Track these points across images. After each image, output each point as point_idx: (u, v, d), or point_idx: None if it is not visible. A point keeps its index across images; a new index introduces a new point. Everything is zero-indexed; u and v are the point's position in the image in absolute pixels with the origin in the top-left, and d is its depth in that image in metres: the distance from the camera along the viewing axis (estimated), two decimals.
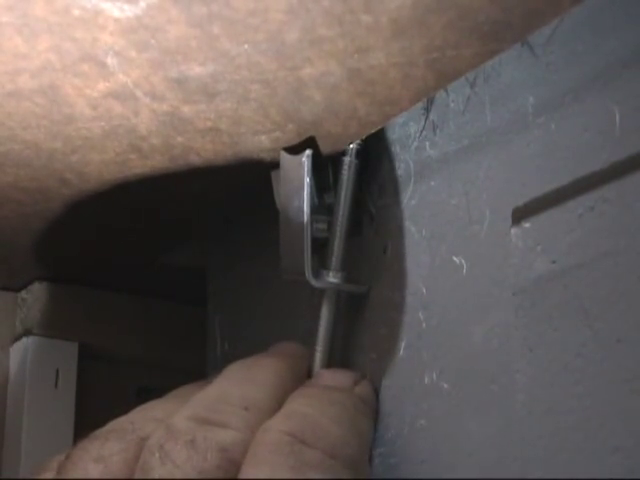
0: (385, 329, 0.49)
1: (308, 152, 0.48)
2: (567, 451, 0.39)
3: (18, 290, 0.67)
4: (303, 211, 0.48)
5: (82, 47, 0.41)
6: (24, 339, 0.65)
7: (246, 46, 0.41)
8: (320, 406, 0.46)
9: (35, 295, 0.66)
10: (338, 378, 0.48)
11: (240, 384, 0.47)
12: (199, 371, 0.61)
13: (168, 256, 0.63)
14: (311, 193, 0.48)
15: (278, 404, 0.47)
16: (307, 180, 0.48)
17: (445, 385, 0.45)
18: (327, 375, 0.49)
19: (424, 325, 0.47)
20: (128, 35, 0.40)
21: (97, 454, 0.46)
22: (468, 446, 0.43)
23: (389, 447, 0.47)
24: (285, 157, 0.49)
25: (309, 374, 0.50)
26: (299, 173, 0.48)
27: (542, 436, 0.40)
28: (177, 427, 0.45)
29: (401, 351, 0.48)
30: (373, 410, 0.48)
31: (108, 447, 0.46)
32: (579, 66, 0.42)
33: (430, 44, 0.41)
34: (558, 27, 0.42)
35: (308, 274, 0.48)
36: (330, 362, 0.50)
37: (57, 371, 0.64)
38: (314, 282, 0.49)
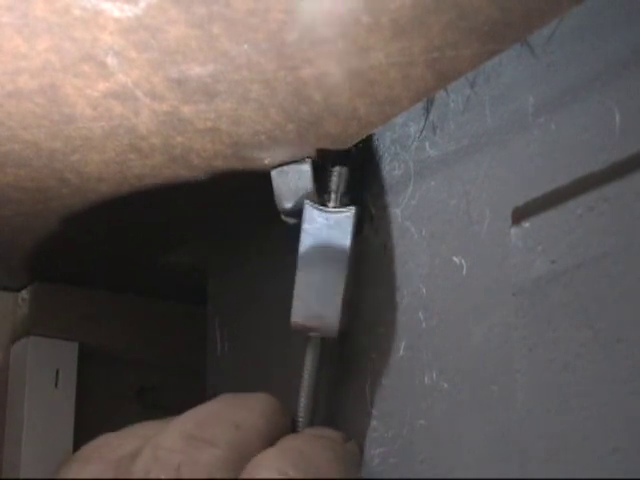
0: (385, 329, 0.49)
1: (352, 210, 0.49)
2: (567, 451, 0.39)
3: (18, 290, 0.67)
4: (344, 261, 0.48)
5: (82, 47, 0.41)
6: (24, 339, 0.65)
7: (246, 46, 0.41)
8: (316, 448, 0.46)
9: (35, 295, 0.66)
10: (329, 432, 0.49)
11: (231, 406, 0.47)
12: (199, 371, 0.62)
13: (168, 256, 0.63)
14: (351, 255, 0.49)
15: (269, 428, 0.47)
16: (350, 238, 0.49)
17: (445, 385, 0.45)
18: (318, 428, 0.49)
19: (424, 325, 0.47)
20: (128, 35, 0.40)
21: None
22: (468, 446, 0.43)
23: (389, 447, 0.47)
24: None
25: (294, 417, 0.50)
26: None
27: (542, 436, 0.40)
28: (165, 445, 0.44)
29: (401, 351, 0.48)
30: (360, 468, 0.48)
31: (88, 470, 0.46)
32: (579, 66, 0.42)
33: (430, 44, 0.41)
34: (558, 27, 0.42)
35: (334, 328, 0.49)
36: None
37: (57, 371, 0.64)
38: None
